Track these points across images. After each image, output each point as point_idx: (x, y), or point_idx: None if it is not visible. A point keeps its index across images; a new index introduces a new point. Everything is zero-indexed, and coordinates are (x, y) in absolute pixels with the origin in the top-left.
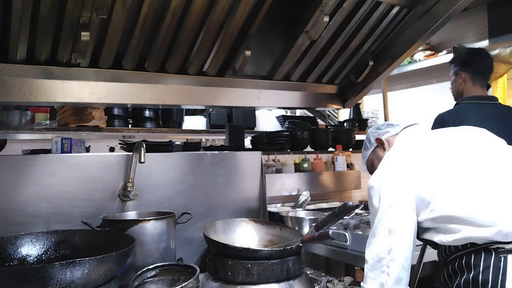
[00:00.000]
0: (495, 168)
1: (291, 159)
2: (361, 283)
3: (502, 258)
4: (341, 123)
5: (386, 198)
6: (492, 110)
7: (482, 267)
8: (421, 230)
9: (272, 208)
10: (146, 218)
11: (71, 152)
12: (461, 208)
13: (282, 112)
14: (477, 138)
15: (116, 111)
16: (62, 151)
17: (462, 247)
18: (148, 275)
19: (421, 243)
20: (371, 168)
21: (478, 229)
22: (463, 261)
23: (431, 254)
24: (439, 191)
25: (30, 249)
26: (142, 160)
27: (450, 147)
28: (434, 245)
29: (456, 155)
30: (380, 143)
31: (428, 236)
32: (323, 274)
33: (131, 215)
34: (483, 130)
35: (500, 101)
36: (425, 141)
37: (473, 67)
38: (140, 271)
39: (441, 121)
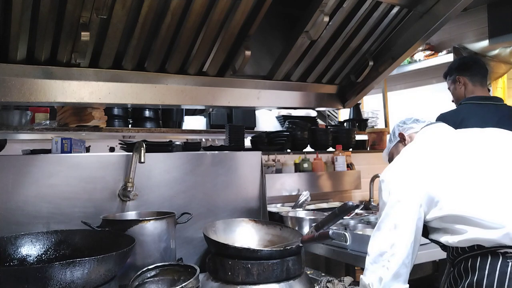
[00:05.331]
0: (509, 171)
1: (291, 159)
2: (361, 276)
3: (510, 263)
4: (341, 123)
5: (396, 193)
6: (494, 110)
7: (487, 271)
8: (430, 230)
9: (272, 208)
10: (146, 218)
11: (71, 152)
12: (469, 208)
13: (282, 112)
14: (498, 140)
15: (116, 111)
16: (62, 151)
17: (469, 249)
18: (148, 275)
19: (429, 241)
20: (391, 161)
21: (485, 231)
22: (469, 264)
23: (431, 254)
24: (448, 190)
25: (30, 249)
26: (142, 160)
27: (466, 147)
28: (443, 246)
29: (471, 156)
30: (402, 138)
31: (435, 236)
32: (323, 274)
33: (131, 215)
34: (509, 132)
35: None
36: (442, 140)
37: (470, 69)
38: (140, 271)
39: (443, 121)
